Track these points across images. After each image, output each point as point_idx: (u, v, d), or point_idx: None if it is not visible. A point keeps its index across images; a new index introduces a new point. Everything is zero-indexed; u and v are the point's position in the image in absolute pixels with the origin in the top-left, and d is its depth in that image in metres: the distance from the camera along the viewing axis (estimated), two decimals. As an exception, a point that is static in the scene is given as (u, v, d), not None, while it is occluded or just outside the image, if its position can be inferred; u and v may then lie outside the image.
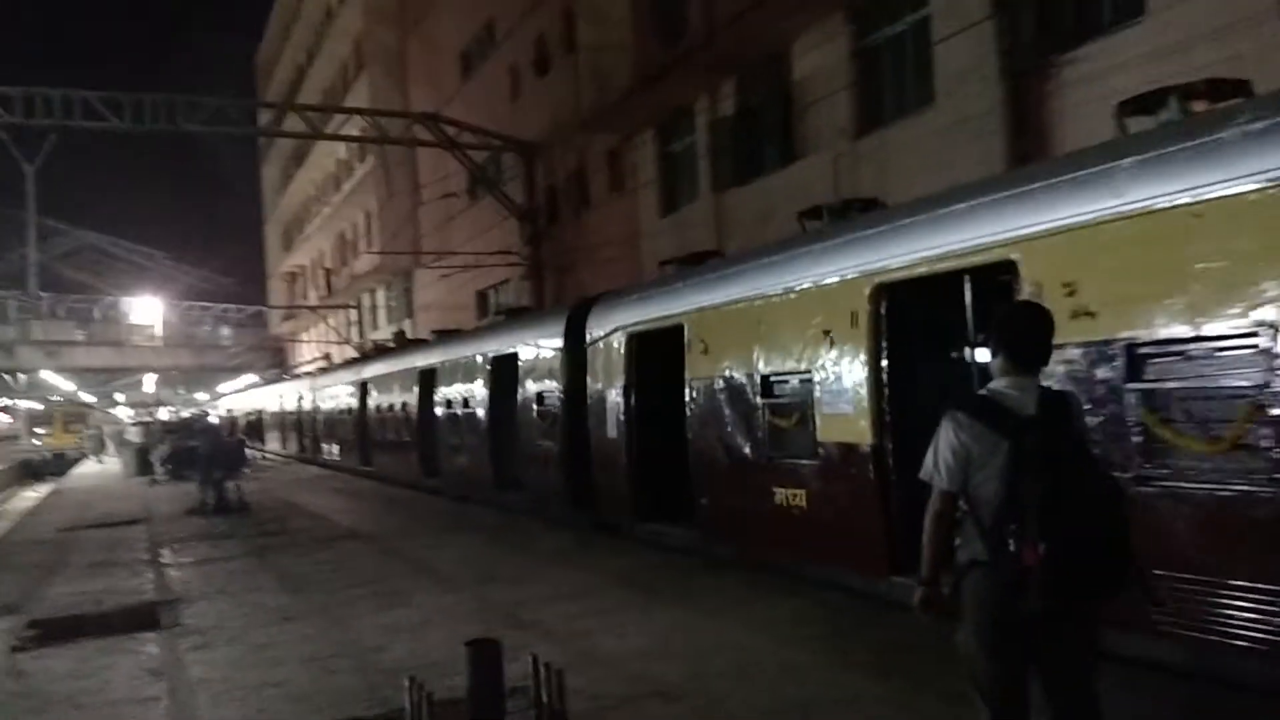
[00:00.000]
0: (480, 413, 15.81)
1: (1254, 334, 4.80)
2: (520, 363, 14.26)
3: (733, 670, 6.16)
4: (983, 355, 3.80)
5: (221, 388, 68.40)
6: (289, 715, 5.78)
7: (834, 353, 7.82)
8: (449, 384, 17.52)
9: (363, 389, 23.91)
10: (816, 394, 8.01)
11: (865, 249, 7.66)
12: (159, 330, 55.25)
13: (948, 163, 11.87)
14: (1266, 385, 4.74)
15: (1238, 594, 4.89)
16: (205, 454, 18.73)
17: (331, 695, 6.07)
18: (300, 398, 32.90)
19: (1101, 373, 5.50)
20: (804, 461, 8.29)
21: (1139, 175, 5.40)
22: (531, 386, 13.90)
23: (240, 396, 53.19)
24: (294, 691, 6.20)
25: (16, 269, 50.69)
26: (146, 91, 22.95)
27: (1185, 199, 5.10)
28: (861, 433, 7.54)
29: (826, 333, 7.89)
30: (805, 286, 8.29)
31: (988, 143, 11.87)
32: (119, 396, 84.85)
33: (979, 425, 3.48)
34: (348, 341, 41.25)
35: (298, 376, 40.41)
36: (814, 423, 8.10)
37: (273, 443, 37.95)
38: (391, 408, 21.42)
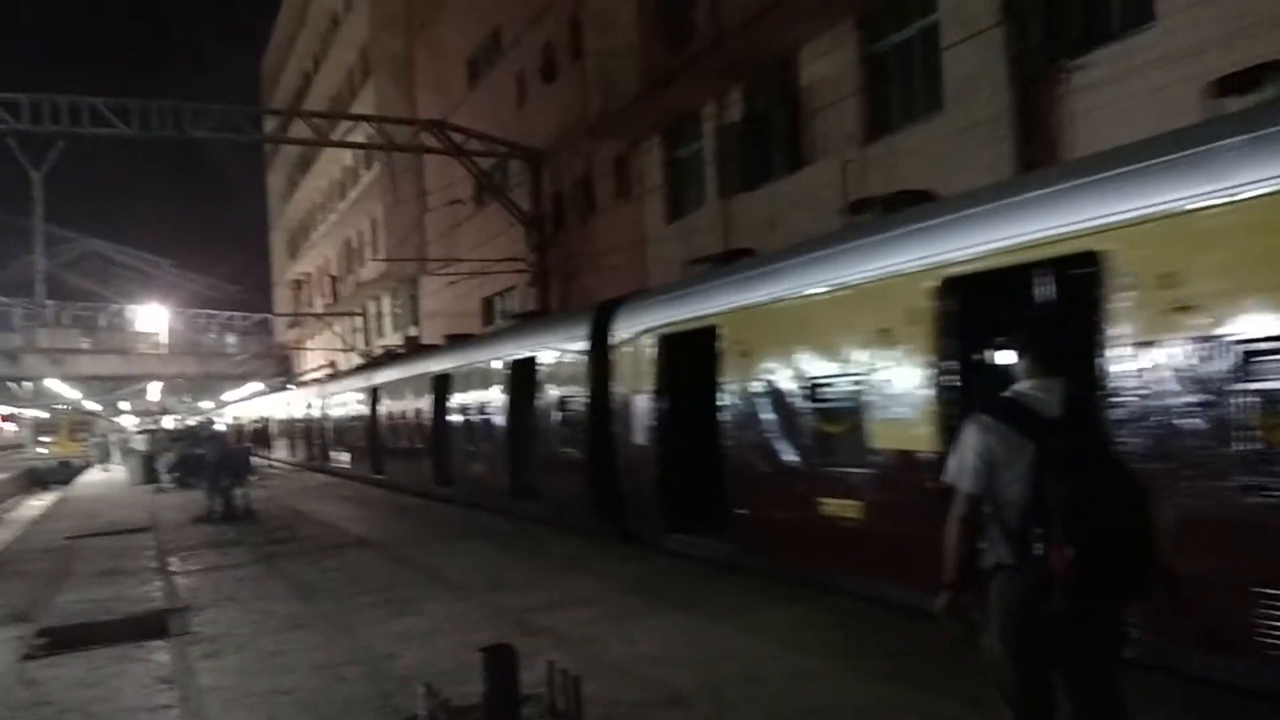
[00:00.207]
0: (497, 419, 15.41)
1: None
2: (539, 367, 13.86)
3: (743, 676, 6.13)
4: (1007, 358, 3.76)
5: (227, 395, 68.48)
6: (301, 723, 5.75)
7: (891, 352, 7.33)
8: (464, 390, 17.14)
9: (374, 395, 23.67)
10: (871, 397, 7.52)
11: (927, 241, 7.13)
12: (164, 338, 55.28)
13: (957, 169, 11.83)
14: None
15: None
16: (212, 461, 18.70)
17: (343, 703, 6.04)
18: (308, 405, 32.77)
19: (1206, 372, 5.11)
20: (856, 470, 7.76)
21: (1252, 154, 5.00)
22: (552, 392, 13.46)
23: (246, 404, 53.19)
24: (305, 699, 6.17)
25: (22, 276, 50.85)
26: (153, 98, 23.02)
27: None
28: (922, 439, 7.06)
29: (883, 331, 7.39)
30: (858, 282, 7.75)
31: (997, 149, 11.86)
32: (124, 405, 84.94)
33: (1004, 427, 3.46)
34: (353, 349, 41.28)
35: (305, 383, 40.42)
36: (868, 428, 7.59)
37: (280, 450, 37.88)
38: (404, 414, 21.09)
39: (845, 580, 8.00)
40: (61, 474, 43.38)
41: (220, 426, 35.46)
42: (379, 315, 43.46)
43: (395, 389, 22.08)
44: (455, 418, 17.48)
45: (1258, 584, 4.84)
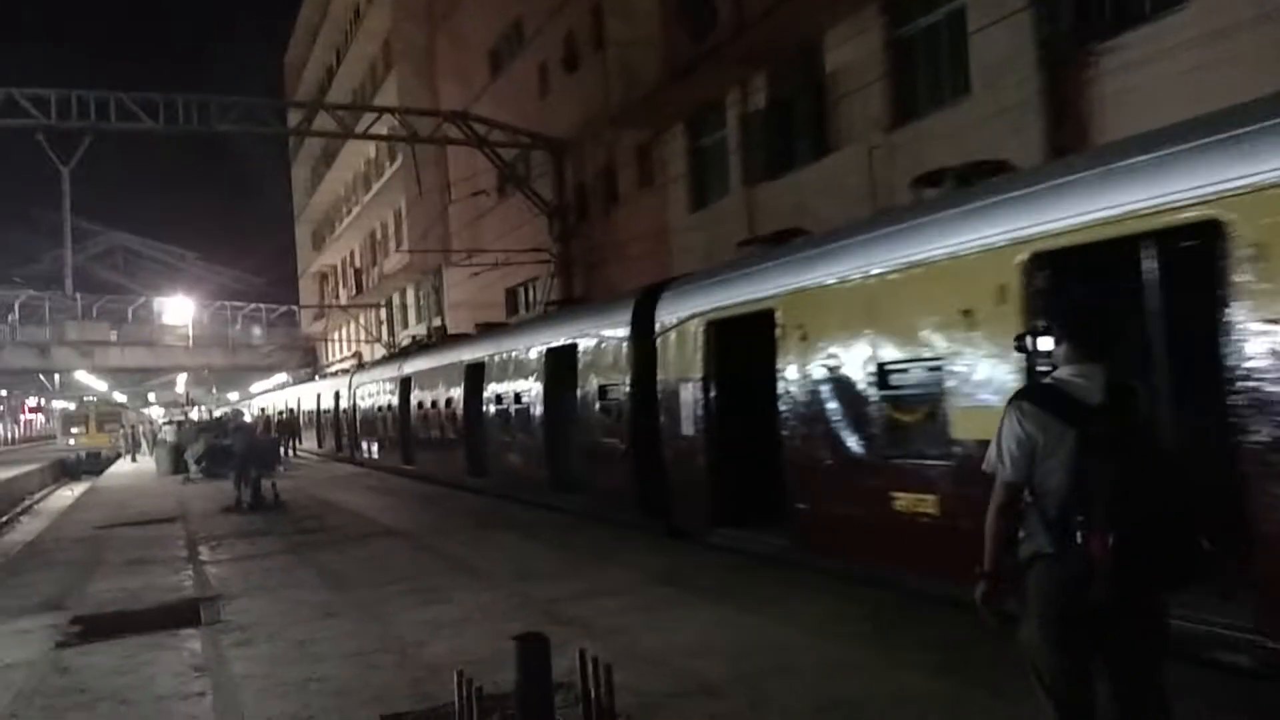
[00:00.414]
0: (535, 409, 15.04)
1: None
2: (579, 355, 13.48)
3: (776, 667, 6.09)
4: (1046, 344, 3.70)
5: (254, 387, 69.01)
6: (334, 710, 5.77)
7: (974, 334, 6.79)
8: (499, 379, 16.84)
9: (404, 385, 23.49)
10: (950, 383, 7.00)
11: (1015, 212, 6.58)
12: (191, 330, 55.74)
13: (985, 154, 11.65)
14: None
15: None
16: (240, 452, 18.85)
17: (375, 690, 6.06)
18: (337, 395, 32.81)
19: None
20: (933, 462, 7.24)
21: None
22: (593, 381, 13.10)
23: (273, 395, 53.56)
24: (337, 686, 6.20)
25: (52, 270, 51.36)
26: (178, 92, 23.16)
27: None
28: None
29: (965, 312, 6.84)
30: (936, 259, 7.21)
31: (1026, 133, 11.74)
32: (151, 396, 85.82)
33: (1045, 414, 3.41)
34: (378, 340, 41.47)
35: (333, 374, 40.61)
36: (948, 417, 7.06)
37: (308, 441, 38.09)
38: (435, 404, 20.81)
39: (918, 580, 7.42)
40: (91, 465, 43.91)
41: (247, 417, 35.66)
42: (403, 306, 43.65)
43: (427, 378, 21.85)
44: (490, 407, 17.19)
45: None
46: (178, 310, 55.94)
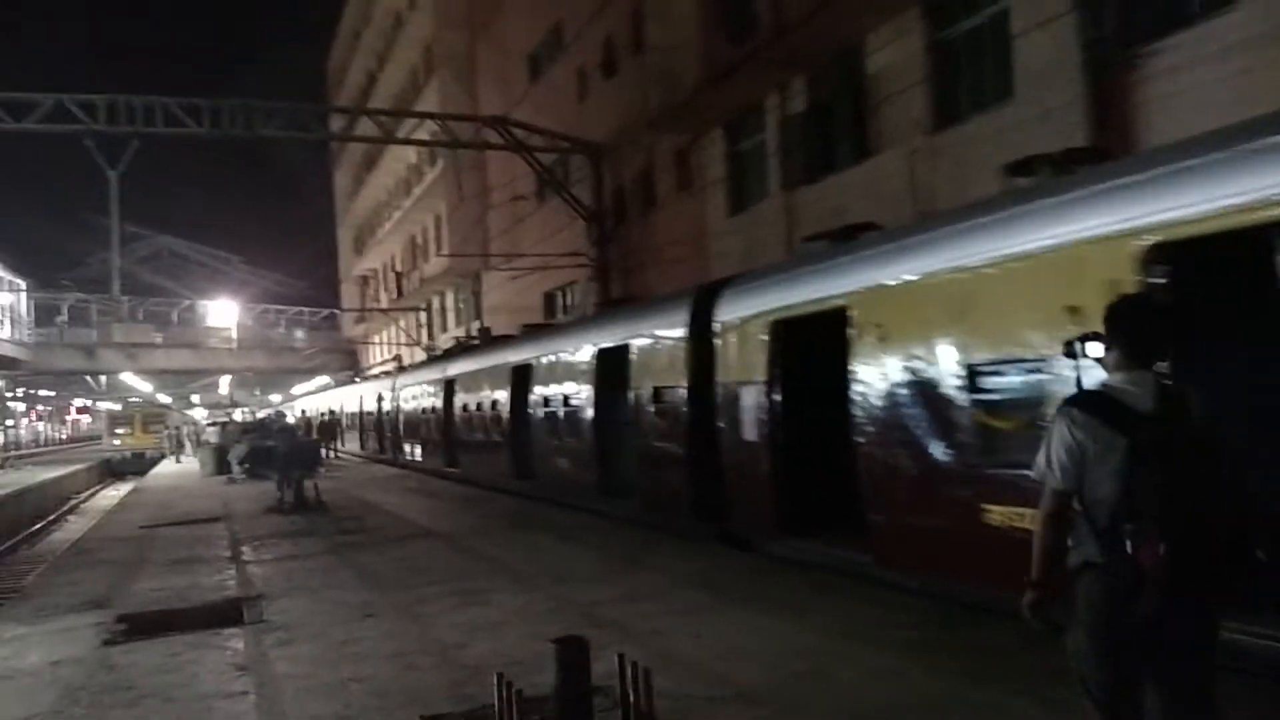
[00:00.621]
0: (584, 411, 14.66)
1: None
2: (632, 356, 13.11)
3: (813, 673, 6.06)
4: (1096, 350, 3.64)
5: (296, 389, 69.78)
6: (374, 710, 5.81)
7: (1082, 333, 6.50)
8: (546, 381, 16.55)
9: (448, 387, 23.47)
10: (1054, 387, 6.28)
11: (1129, 200, 6.03)
12: (234, 333, 56.51)
13: (1028, 157, 11.60)
14: None
15: None
16: (283, 453, 19.06)
17: (415, 691, 6.10)
18: (379, 397, 32.97)
19: None
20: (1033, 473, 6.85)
21: None
22: (647, 383, 12.72)
23: (315, 397, 54.10)
24: (378, 687, 6.25)
25: (99, 273, 52.33)
26: (223, 97, 23.55)
27: None
28: None
29: (1071, 309, 6.14)
30: (1035, 251, 6.67)
31: (1069, 137, 11.57)
32: (195, 398, 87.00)
33: (1094, 422, 3.37)
34: (418, 343, 41.80)
35: (374, 376, 40.93)
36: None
37: (349, 443, 38.44)
38: (480, 406, 20.64)
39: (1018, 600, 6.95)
40: (136, 465, 44.59)
41: (290, 419, 36.08)
42: (442, 310, 43.98)
43: (471, 380, 21.75)
44: (537, 410, 16.92)
45: None
46: (222, 313, 56.82)
